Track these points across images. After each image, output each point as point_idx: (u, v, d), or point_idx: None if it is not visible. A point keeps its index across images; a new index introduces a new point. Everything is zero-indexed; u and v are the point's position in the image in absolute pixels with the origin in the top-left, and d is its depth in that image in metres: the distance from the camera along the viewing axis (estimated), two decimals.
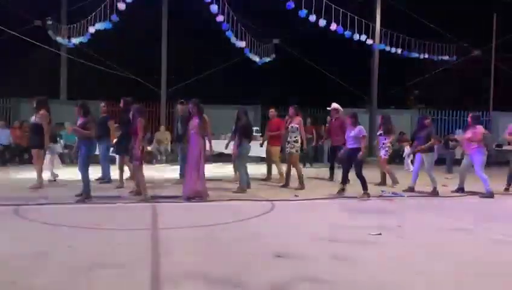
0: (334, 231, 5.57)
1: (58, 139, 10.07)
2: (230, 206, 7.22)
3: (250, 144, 8.75)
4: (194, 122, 7.61)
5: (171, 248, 4.67)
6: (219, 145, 10.08)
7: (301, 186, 8.98)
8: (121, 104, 9.05)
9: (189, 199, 7.43)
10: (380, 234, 5.40)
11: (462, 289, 3.74)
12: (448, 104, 19.42)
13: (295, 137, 9.02)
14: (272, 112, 10.25)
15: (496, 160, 15.58)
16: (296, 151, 9.08)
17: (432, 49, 16.15)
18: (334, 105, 10.36)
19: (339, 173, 10.68)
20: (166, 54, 17.15)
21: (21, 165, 12.20)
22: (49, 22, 14.88)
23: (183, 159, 9.17)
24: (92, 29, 12.54)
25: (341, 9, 12.14)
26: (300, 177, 9.07)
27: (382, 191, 8.64)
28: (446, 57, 16.85)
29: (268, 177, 10.21)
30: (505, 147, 16.31)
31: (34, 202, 6.94)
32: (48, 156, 8.98)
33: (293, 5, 10.87)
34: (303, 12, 11.35)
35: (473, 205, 8.03)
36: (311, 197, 7.98)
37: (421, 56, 15.98)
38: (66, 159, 12.47)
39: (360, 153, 8.02)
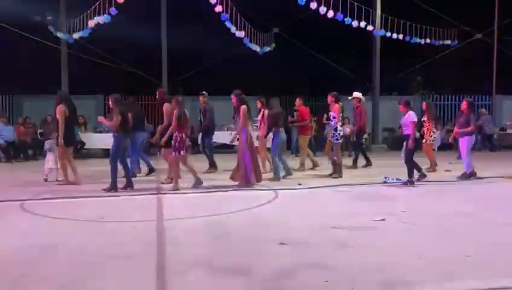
0: (337, 218, 5.61)
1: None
2: (234, 196, 7.26)
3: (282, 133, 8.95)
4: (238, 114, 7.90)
5: (176, 238, 4.73)
6: (224, 137, 10.16)
7: (339, 175, 8.99)
8: (157, 96, 9.13)
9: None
10: (384, 219, 5.44)
11: (461, 271, 3.78)
12: (450, 89, 19.32)
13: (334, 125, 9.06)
14: (297, 101, 10.39)
15: (499, 144, 15.60)
16: (337, 139, 9.02)
17: (433, 34, 16.01)
18: (356, 94, 10.62)
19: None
20: (166, 46, 17.13)
21: (26, 161, 12.28)
22: (49, 17, 14.86)
23: (209, 150, 9.61)
24: (91, 24, 12.51)
25: None
26: (339, 165, 9.05)
27: (385, 177, 8.64)
28: (448, 42, 16.70)
29: (314, 165, 10.21)
30: (510, 131, 16.31)
31: (40, 196, 7.01)
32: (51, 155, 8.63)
33: None
34: (302, 0, 11.28)
35: (481, 189, 7.95)
36: (313, 186, 8.02)
37: (423, 41, 15.84)
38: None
39: (409, 140, 7.95)
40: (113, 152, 7.43)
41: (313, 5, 11.62)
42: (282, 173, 8.78)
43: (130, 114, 8.54)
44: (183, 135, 7.56)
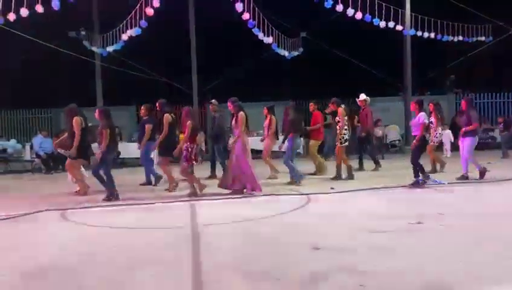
0: (372, 221, 5.53)
1: None
2: (266, 201, 7.27)
3: (299, 138, 9.09)
4: (234, 120, 7.86)
5: (210, 244, 4.77)
6: (254, 142, 10.20)
7: (350, 176, 9.11)
8: (157, 107, 9.20)
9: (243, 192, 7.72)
10: (421, 222, 5.32)
11: (501, 275, 3.65)
12: (485, 87, 18.74)
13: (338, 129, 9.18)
14: (312, 105, 10.35)
15: None
16: (341, 143, 9.14)
17: (466, 31, 15.58)
18: (363, 96, 10.79)
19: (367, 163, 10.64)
20: (195, 55, 17.42)
21: (64, 172, 12.67)
22: (83, 33, 15.40)
23: (220, 158, 9.50)
24: (124, 37, 12.89)
25: None
26: (349, 167, 9.21)
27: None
28: (482, 38, 16.21)
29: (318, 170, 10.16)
30: None
31: (80, 205, 7.24)
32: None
33: None
34: (329, 3, 11.23)
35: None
36: (347, 189, 7.93)
37: (455, 39, 15.44)
38: None
39: (414, 141, 8.00)
40: (105, 165, 7.58)
41: (339, 8, 11.55)
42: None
43: (149, 125, 8.92)
44: (195, 146, 7.64)
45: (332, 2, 11.22)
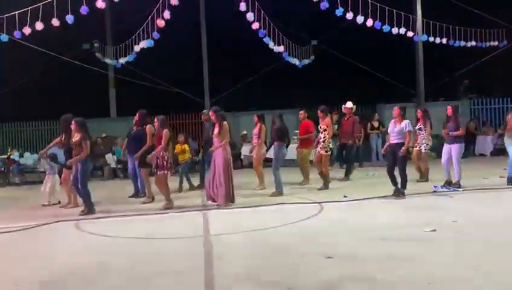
0: (385, 229, 5.48)
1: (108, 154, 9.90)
2: (279, 209, 7.25)
3: (286, 147, 9.00)
4: (215, 130, 7.72)
5: (223, 253, 4.78)
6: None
7: (325, 187, 9.06)
8: (136, 118, 9.06)
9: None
10: (435, 230, 5.26)
11: None
12: (500, 92, 18.47)
13: (323, 137, 9.15)
14: (301, 114, 10.20)
15: None
16: (326, 151, 9.18)
17: (478, 36, 15.43)
18: (350, 104, 10.82)
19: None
20: (207, 65, 17.57)
21: None
22: (96, 45, 15.65)
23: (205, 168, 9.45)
24: (137, 48, 13.07)
25: (378, 4, 11.91)
26: (326, 177, 9.13)
27: (435, 186, 8.37)
28: (495, 43, 16.03)
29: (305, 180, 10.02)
30: None
31: (93, 216, 7.31)
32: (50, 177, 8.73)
33: (327, 5, 10.79)
34: (339, 11, 11.25)
35: None
36: (360, 197, 7.87)
37: (468, 44, 15.30)
38: (119, 174, 13.03)
39: (403, 148, 7.70)
40: (82, 178, 7.47)
41: (349, 15, 11.55)
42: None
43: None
44: (168, 154, 7.65)
45: (342, 10, 11.22)
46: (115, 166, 13.13)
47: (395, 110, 8.11)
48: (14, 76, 16.33)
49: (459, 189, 8.20)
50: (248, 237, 5.52)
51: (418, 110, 10.23)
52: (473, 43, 15.32)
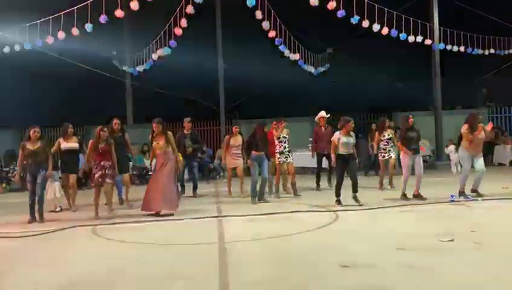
0: (402, 238, 5.41)
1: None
2: (294, 217, 7.23)
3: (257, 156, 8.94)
4: (164, 140, 7.93)
5: (238, 261, 4.77)
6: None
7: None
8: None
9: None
10: (452, 240, 5.18)
11: None
12: None
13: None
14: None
15: None
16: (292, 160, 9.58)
17: (496, 44, 15.25)
18: (322, 113, 10.60)
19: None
20: (223, 73, 17.70)
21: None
22: (114, 53, 15.92)
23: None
24: (154, 56, 13.24)
25: (394, 12, 11.87)
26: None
27: (452, 195, 8.25)
28: None
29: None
30: None
31: (110, 221, 7.39)
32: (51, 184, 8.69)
33: (344, 13, 10.78)
34: (355, 19, 11.23)
35: None
36: (375, 206, 7.80)
37: (486, 52, 15.13)
38: (135, 180, 13.18)
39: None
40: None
41: (365, 24, 11.52)
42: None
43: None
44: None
45: (358, 18, 11.20)
46: (130, 172, 13.26)
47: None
48: (34, 82, 16.72)
49: (477, 199, 8.07)
50: (263, 244, 5.51)
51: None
52: (492, 51, 15.14)
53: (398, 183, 9.04)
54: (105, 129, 8.13)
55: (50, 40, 11.02)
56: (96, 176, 7.78)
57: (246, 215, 7.45)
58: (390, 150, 10.32)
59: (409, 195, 8.37)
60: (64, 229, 6.84)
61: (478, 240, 5.19)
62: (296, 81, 16.82)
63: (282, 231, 6.14)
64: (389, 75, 17.38)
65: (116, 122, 9.10)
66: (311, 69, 15.33)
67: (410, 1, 15.41)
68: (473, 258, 4.55)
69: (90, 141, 8.00)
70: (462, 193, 8.28)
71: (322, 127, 10.53)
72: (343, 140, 7.96)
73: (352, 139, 8.09)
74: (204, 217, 7.45)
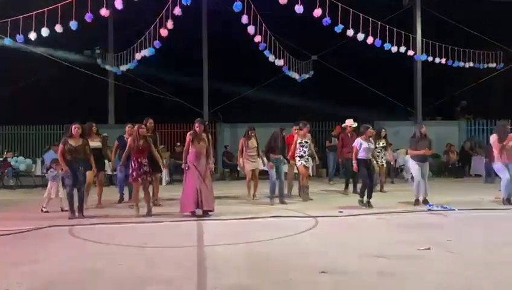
0: (380, 246, 5.47)
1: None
2: (274, 222, 7.24)
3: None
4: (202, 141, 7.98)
5: (216, 265, 4.75)
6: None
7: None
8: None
9: None
10: (429, 248, 5.26)
11: None
12: (497, 114, 18.60)
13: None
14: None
15: None
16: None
17: (476, 57, 15.61)
18: (351, 122, 11.28)
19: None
20: (207, 75, 17.67)
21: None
22: (98, 51, 15.73)
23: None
24: (138, 56, 13.13)
25: (379, 22, 12.04)
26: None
27: (429, 205, 8.39)
28: (493, 65, 16.22)
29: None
30: None
31: (87, 222, 7.28)
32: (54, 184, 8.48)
33: (329, 21, 10.88)
34: (338, 28, 11.33)
35: None
36: (355, 213, 7.87)
37: (466, 65, 15.47)
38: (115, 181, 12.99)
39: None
40: None
41: (350, 32, 11.65)
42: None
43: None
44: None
45: (342, 27, 11.31)
46: (111, 173, 13.08)
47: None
48: (12, 79, 16.38)
49: (454, 209, 8.21)
50: (241, 249, 5.49)
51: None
52: (471, 64, 15.49)
53: (395, 189, 9.12)
54: (143, 127, 8.14)
55: (33, 36, 10.79)
56: (135, 173, 7.73)
57: (226, 220, 7.43)
58: (382, 158, 11.13)
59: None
60: (39, 228, 6.70)
61: (453, 249, 5.27)
62: (280, 87, 16.88)
63: (262, 235, 6.14)
64: (371, 84, 17.60)
65: (150, 122, 9.05)
66: (296, 75, 15.43)
67: (394, 12, 15.67)
68: (446, 268, 4.62)
69: (115, 141, 8.23)
70: (507, 201, 8.52)
71: (349, 134, 11.15)
72: (364, 145, 8.50)
73: (372, 145, 8.69)
74: (184, 220, 7.40)
